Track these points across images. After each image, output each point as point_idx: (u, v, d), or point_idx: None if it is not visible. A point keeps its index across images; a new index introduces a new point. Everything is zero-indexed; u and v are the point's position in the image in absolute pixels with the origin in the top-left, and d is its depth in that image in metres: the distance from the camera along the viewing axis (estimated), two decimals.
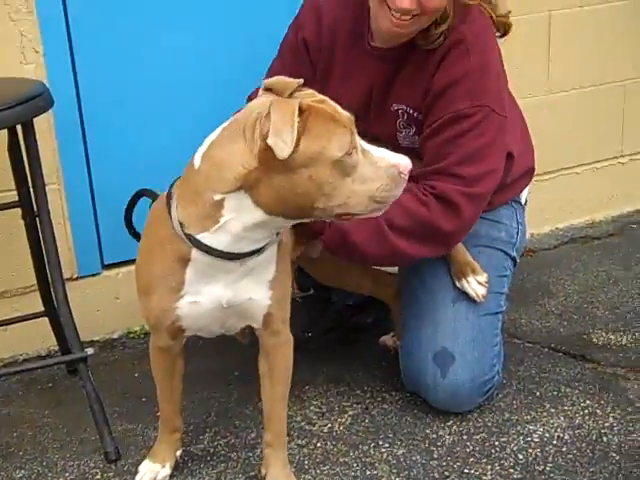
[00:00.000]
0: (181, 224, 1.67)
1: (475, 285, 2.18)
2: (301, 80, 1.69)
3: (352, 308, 2.65)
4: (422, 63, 2.09)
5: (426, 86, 2.08)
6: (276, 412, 1.93)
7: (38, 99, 2.06)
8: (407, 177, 1.65)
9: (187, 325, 1.81)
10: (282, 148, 1.51)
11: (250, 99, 2.29)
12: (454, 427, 2.18)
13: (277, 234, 1.74)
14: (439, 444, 2.11)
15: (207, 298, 1.75)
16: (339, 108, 1.64)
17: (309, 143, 1.56)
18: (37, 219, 2.22)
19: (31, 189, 2.20)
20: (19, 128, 2.14)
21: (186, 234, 1.67)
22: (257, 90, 2.25)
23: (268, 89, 1.66)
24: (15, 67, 2.39)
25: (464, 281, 2.19)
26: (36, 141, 2.15)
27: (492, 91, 2.08)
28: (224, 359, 2.52)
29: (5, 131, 2.17)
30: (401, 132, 2.18)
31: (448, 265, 2.22)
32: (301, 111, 1.56)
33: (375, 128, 2.17)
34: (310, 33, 2.21)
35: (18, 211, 2.28)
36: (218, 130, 1.67)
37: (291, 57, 2.24)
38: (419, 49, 2.08)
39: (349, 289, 2.51)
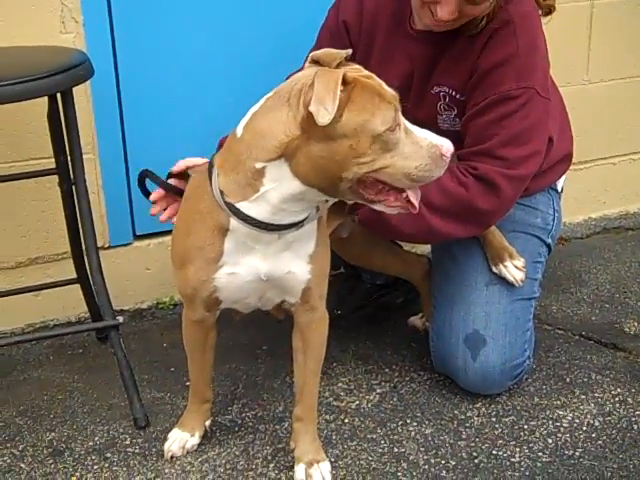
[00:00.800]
0: (221, 193, 1.68)
1: (513, 270, 2.17)
2: (349, 50, 1.68)
3: (382, 288, 2.64)
4: (467, 45, 2.07)
5: (471, 67, 2.07)
6: (309, 387, 1.93)
7: (79, 68, 2.06)
8: (449, 159, 1.64)
9: (224, 297, 1.81)
10: (323, 114, 1.50)
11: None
12: (483, 409, 2.17)
13: (317, 210, 1.74)
14: (467, 425, 2.11)
15: (246, 270, 1.75)
16: (385, 84, 1.63)
17: (353, 115, 1.55)
18: (73, 187, 2.23)
19: (68, 157, 2.21)
20: (59, 97, 2.15)
21: (226, 202, 1.67)
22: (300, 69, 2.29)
23: (315, 61, 1.65)
24: (55, 36, 2.39)
25: (501, 266, 2.17)
26: (75, 110, 2.15)
27: (538, 73, 2.06)
28: (252, 333, 2.53)
29: (45, 99, 2.18)
30: (442, 115, 2.16)
31: (482, 248, 2.21)
32: (347, 82, 1.55)
33: (415, 111, 2.15)
34: (351, 15, 2.20)
35: (55, 178, 2.30)
36: (262, 101, 1.67)
37: (330, 40, 2.22)
38: (463, 32, 2.06)
39: (377, 269, 2.51)
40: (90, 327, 2.38)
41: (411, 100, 2.16)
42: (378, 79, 1.63)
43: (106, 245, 2.65)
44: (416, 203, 1.68)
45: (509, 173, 2.01)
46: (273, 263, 1.75)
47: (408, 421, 2.14)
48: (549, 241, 2.33)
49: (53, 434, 2.11)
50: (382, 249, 2.38)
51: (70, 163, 2.19)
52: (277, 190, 1.63)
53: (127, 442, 2.08)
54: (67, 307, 2.63)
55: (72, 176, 2.21)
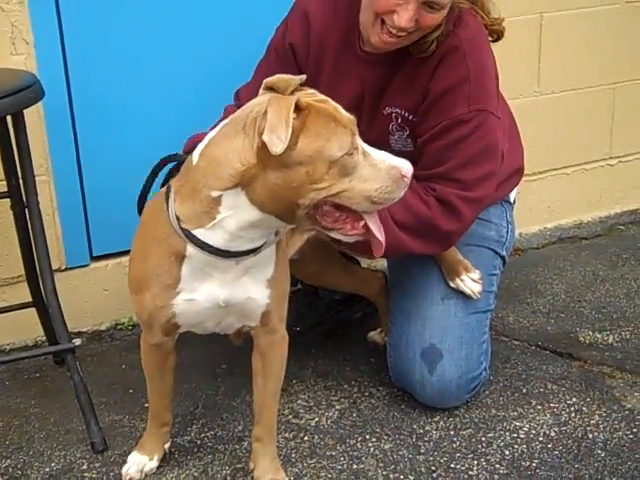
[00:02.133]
0: (178, 219, 1.67)
1: (470, 283, 2.20)
2: (303, 76, 1.69)
3: (340, 303, 2.65)
4: (417, 67, 2.08)
5: (422, 90, 2.08)
6: (268, 408, 1.93)
7: (28, 90, 2.05)
8: (409, 180, 1.65)
9: (182, 322, 1.80)
10: (277, 144, 1.50)
11: (237, 95, 2.30)
12: (441, 422, 2.19)
13: (276, 234, 1.74)
14: (426, 439, 2.12)
15: (204, 296, 1.75)
16: (340, 108, 1.64)
17: (308, 142, 1.55)
18: (26, 210, 2.21)
19: (20, 180, 2.19)
20: (9, 119, 2.14)
21: (182, 229, 1.67)
22: (239, 96, 2.27)
23: (269, 88, 1.66)
24: (5, 58, 2.38)
25: (458, 280, 2.20)
26: (26, 132, 2.14)
27: (490, 94, 2.08)
28: (211, 351, 2.52)
29: None
30: (394, 135, 2.18)
31: (437, 263, 2.23)
32: (300, 109, 1.55)
33: (367, 132, 2.14)
34: (298, 39, 2.20)
35: (7, 201, 2.28)
36: (217, 127, 1.67)
37: (278, 59, 2.24)
38: (413, 54, 2.08)
39: (333, 288, 2.53)
40: (46, 351, 2.36)
41: (363, 121, 2.17)
42: (334, 103, 1.64)
43: (62, 267, 2.63)
44: (377, 234, 1.68)
45: (466, 195, 2.04)
46: (231, 289, 1.74)
47: (367, 437, 2.14)
48: (503, 253, 2.36)
49: (9, 461, 2.09)
50: (337, 267, 2.40)
51: (22, 186, 2.17)
52: (234, 218, 1.63)
53: (84, 467, 2.06)
54: (23, 331, 2.60)
55: (25, 199, 2.19)
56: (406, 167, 1.63)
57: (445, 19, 2.01)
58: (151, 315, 1.79)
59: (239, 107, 2.19)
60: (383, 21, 1.98)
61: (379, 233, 1.69)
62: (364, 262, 2.55)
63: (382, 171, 1.62)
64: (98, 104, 2.57)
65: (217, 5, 2.62)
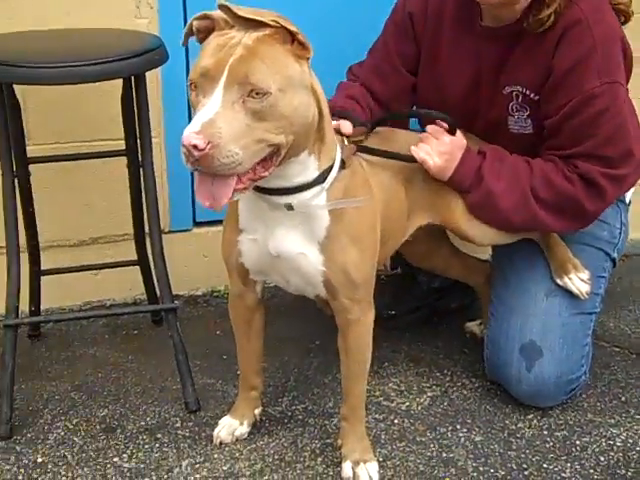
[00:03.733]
0: None
1: (578, 282, 2.14)
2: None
3: (438, 291, 2.62)
4: (537, 42, 2.01)
5: (545, 67, 2.01)
6: (351, 389, 1.92)
7: (154, 52, 2.07)
8: (192, 155, 1.44)
9: (248, 264, 1.81)
10: None
11: (350, 71, 2.30)
12: (534, 421, 2.14)
13: (319, 183, 1.68)
14: (518, 436, 2.08)
15: (261, 239, 1.75)
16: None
17: None
18: (140, 170, 2.24)
19: (138, 140, 2.23)
20: (132, 80, 2.16)
21: None
22: (352, 72, 2.29)
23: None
24: (129, 21, 2.43)
25: (566, 278, 2.14)
26: (147, 94, 2.16)
27: (618, 64, 1.99)
28: (305, 326, 2.53)
29: (120, 81, 2.20)
30: (513, 115, 2.11)
31: (543, 258, 2.19)
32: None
33: (485, 112, 2.15)
34: (417, 7, 2.18)
35: (121, 159, 2.32)
36: None
37: (395, 33, 2.22)
38: (530, 31, 2.00)
39: (437, 271, 2.49)
40: (149, 309, 2.41)
41: (481, 100, 2.14)
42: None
43: (166, 229, 2.66)
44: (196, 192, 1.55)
45: (611, 173, 1.99)
46: (281, 239, 1.73)
47: (458, 427, 2.12)
48: (614, 255, 2.29)
49: (106, 411, 2.14)
50: (446, 251, 2.37)
51: (139, 146, 2.21)
52: None
53: (178, 425, 2.10)
54: (124, 288, 2.67)
55: (140, 159, 2.23)
56: (185, 135, 1.45)
57: None
58: (226, 254, 1.84)
59: (353, 82, 2.24)
60: None
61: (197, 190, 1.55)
62: (470, 250, 2.49)
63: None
64: None
65: None
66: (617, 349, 2.49)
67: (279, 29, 1.52)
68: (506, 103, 2.11)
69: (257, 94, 1.47)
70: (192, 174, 2.53)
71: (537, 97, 2.06)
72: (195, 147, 1.43)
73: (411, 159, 1.96)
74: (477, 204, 2.03)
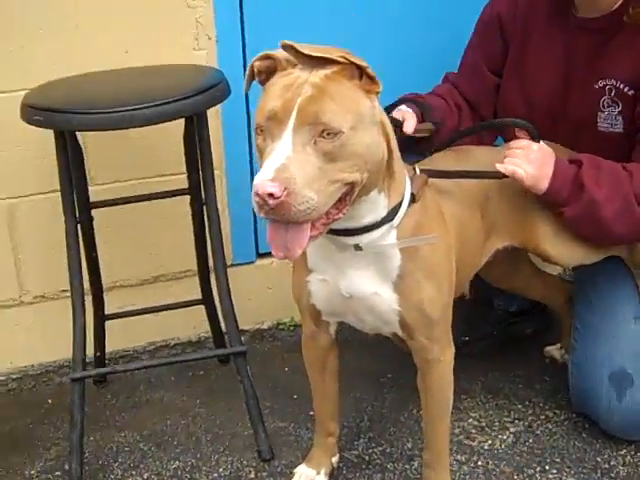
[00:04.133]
0: None
1: None
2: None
3: (514, 315, 2.51)
4: (635, 34, 1.91)
5: None
6: (434, 432, 1.82)
7: (215, 89, 1.99)
8: (262, 201, 1.36)
9: (320, 305, 1.74)
10: None
11: (446, 77, 2.25)
12: (628, 457, 2.02)
13: (389, 221, 1.60)
14: (612, 475, 1.96)
15: (331, 279, 1.68)
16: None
17: None
18: (204, 206, 2.17)
19: (200, 177, 2.16)
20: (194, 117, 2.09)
21: None
22: (446, 76, 2.24)
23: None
24: (187, 53, 2.37)
25: None
26: (208, 129, 2.09)
27: None
28: (376, 358, 2.44)
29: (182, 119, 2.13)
30: (604, 112, 1.99)
31: (629, 277, 2.07)
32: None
33: (574, 109, 2.04)
34: (506, 8, 2.12)
35: (184, 197, 2.26)
36: None
37: (483, 34, 2.18)
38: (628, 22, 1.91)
39: (517, 291, 2.38)
40: (217, 353, 2.34)
41: (571, 95, 2.03)
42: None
43: (228, 263, 2.58)
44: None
45: None
46: (352, 280, 1.65)
47: (547, 467, 2.00)
48: None
49: (177, 463, 2.08)
50: (526, 270, 2.27)
51: (202, 183, 2.14)
52: None
53: (252, 475, 2.02)
54: (189, 326, 2.61)
55: (203, 196, 2.16)
56: (258, 184, 1.36)
57: None
58: (297, 295, 1.77)
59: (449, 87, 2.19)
60: None
61: (270, 239, 1.46)
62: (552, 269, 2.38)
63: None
64: None
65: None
66: None
67: (347, 65, 1.44)
68: (597, 98, 1.99)
69: (328, 134, 1.39)
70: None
71: (632, 92, 1.94)
72: (271, 195, 1.35)
73: (497, 175, 1.83)
74: (577, 216, 1.88)
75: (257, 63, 1.53)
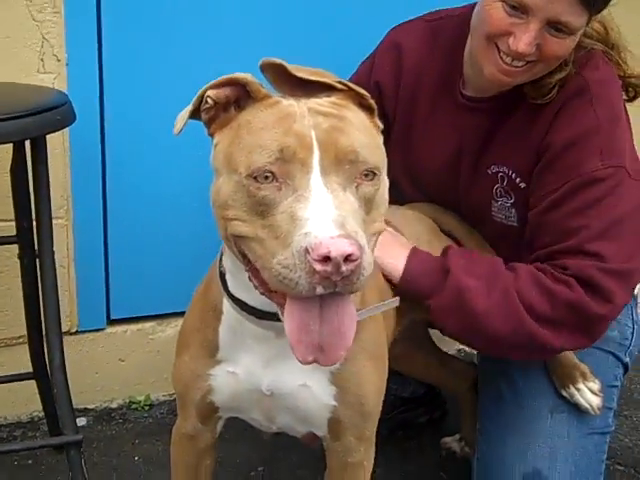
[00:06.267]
0: (221, 261, 1.31)
1: (588, 394, 1.77)
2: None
3: (406, 402, 2.25)
4: (531, 116, 1.70)
5: (537, 145, 1.69)
6: None
7: (55, 111, 1.66)
8: (325, 272, 1.01)
9: (220, 403, 1.40)
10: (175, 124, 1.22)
11: None
12: None
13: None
14: None
15: (244, 373, 1.34)
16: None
17: (222, 140, 1.19)
18: (37, 260, 1.79)
19: (34, 223, 1.79)
20: (27, 145, 1.74)
21: (221, 274, 1.30)
22: None
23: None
24: (30, 75, 2.01)
25: (573, 389, 1.77)
26: (47, 164, 1.74)
27: (625, 149, 1.67)
28: (244, 447, 2.08)
29: (10, 146, 1.77)
30: (497, 201, 1.78)
31: (543, 366, 1.81)
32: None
33: (465, 194, 1.82)
34: (386, 77, 1.87)
35: (13, 247, 1.91)
36: None
37: None
38: (526, 101, 1.70)
39: (415, 375, 2.16)
40: (45, 443, 1.93)
41: (461, 180, 1.81)
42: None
43: (73, 329, 2.27)
44: (293, 334, 1.09)
45: (609, 267, 1.59)
46: (277, 372, 1.32)
47: None
48: (627, 360, 1.90)
49: None
50: (426, 352, 2.05)
51: (35, 230, 1.76)
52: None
53: None
54: (17, 404, 2.22)
55: (36, 246, 1.77)
56: (325, 245, 1.00)
57: (572, 58, 1.64)
58: (186, 385, 1.41)
59: None
60: (498, 48, 1.61)
61: (296, 332, 1.09)
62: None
63: (291, 235, 1.04)
64: (134, 140, 2.16)
65: (275, 33, 2.21)
66: (620, 467, 2.11)
67: (348, 92, 1.17)
68: (490, 185, 1.78)
69: (367, 175, 1.10)
70: (107, 261, 2.21)
71: (524, 184, 1.73)
72: (348, 257, 0.99)
73: None
74: (443, 308, 1.59)
75: (212, 92, 1.18)
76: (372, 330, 1.36)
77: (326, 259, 0.99)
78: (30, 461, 2.05)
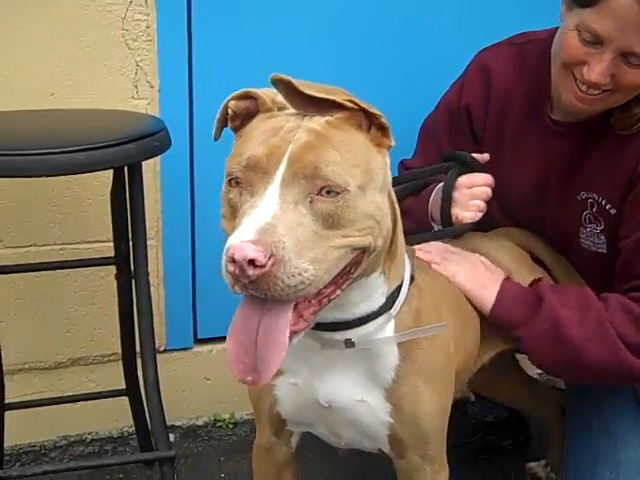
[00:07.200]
0: None
1: None
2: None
3: (490, 426, 2.21)
4: (619, 145, 1.68)
5: (629, 174, 1.67)
6: None
7: (153, 137, 1.70)
8: (246, 274, 1.05)
9: (286, 415, 1.43)
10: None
11: (402, 165, 1.95)
12: None
13: (387, 310, 1.30)
14: None
15: (305, 384, 1.36)
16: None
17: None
18: (132, 280, 1.84)
19: (130, 245, 1.83)
20: (126, 170, 1.78)
21: None
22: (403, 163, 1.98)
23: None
24: (124, 101, 2.07)
25: None
26: (142, 188, 1.78)
27: None
28: (328, 467, 2.09)
29: (110, 172, 1.83)
30: (586, 227, 1.76)
31: (631, 394, 1.78)
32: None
33: (553, 219, 1.80)
34: (476, 100, 1.87)
35: (109, 267, 1.94)
36: None
37: (449, 123, 1.93)
38: (615, 130, 1.68)
39: (501, 400, 2.12)
40: (139, 458, 1.98)
41: (549, 205, 1.80)
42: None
43: (161, 348, 2.29)
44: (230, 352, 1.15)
45: None
46: (335, 385, 1.34)
47: None
48: None
49: None
50: (513, 378, 2.02)
51: (132, 252, 1.81)
52: None
53: None
54: (109, 419, 2.27)
55: (132, 267, 1.82)
56: (235, 248, 1.05)
57: None
58: (257, 397, 1.45)
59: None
60: (575, 76, 1.61)
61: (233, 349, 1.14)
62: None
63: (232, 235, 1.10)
64: (221, 163, 2.16)
65: (371, 63, 2.25)
66: None
67: (355, 111, 1.17)
68: (579, 211, 1.76)
69: (329, 192, 1.11)
70: (194, 283, 2.26)
71: (614, 211, 1.71)
72: (252, 263, 1.04)
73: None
74: (539, 336, 1.60)
75: (233, 103, 1.26)
76: (429, 351, 1.36)
77: (234, 261, 1.04)
78: (121, 475, 2.10)
